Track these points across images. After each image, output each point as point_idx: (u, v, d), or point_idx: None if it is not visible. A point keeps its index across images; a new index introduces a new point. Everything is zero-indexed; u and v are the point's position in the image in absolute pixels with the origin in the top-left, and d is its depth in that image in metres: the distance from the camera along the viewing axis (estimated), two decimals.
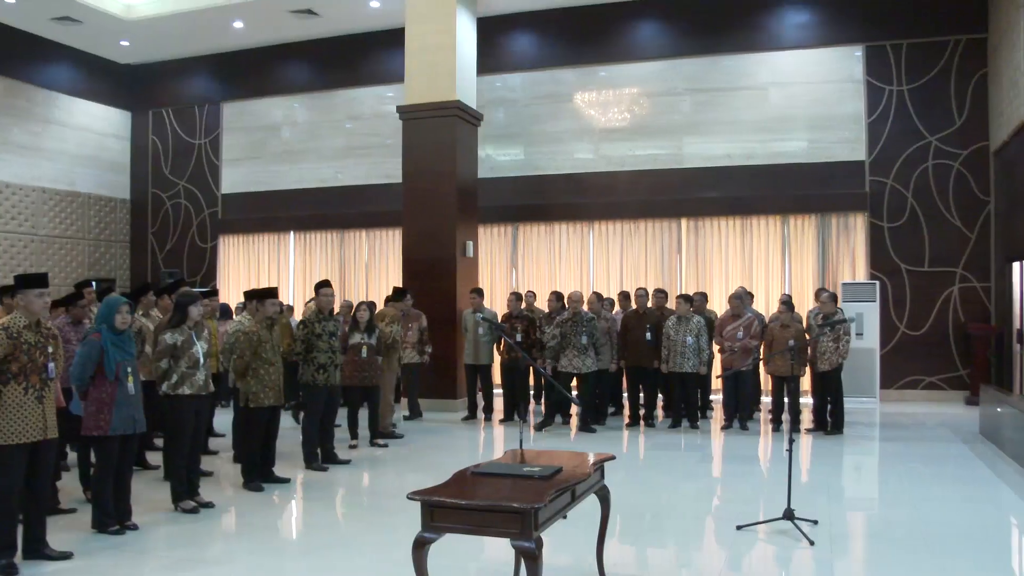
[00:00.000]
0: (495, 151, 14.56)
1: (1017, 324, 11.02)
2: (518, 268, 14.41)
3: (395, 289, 10.26)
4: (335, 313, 8.70)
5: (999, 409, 8.71)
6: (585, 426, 9.88)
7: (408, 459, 8.47)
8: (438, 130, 11.86)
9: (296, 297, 15.39)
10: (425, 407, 11.37)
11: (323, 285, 8.02)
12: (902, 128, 12.69)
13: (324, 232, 15.48)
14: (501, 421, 10.80)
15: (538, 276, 14.26)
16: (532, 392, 11.61)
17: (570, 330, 9.89)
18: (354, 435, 9.09)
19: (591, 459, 4.31)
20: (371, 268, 15.19)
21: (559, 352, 9.91)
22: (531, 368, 10.47)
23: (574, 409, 10.87)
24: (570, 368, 9.84)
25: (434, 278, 11.74)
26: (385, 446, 9.04)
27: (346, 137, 15.41)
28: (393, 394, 9.84)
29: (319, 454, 7.98)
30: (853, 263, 13.00)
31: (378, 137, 15.13)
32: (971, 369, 12.22)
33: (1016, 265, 11.10)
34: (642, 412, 10.37)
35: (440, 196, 11.84)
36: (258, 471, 7.08)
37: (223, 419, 9.85)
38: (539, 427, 10.02)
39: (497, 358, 10.95)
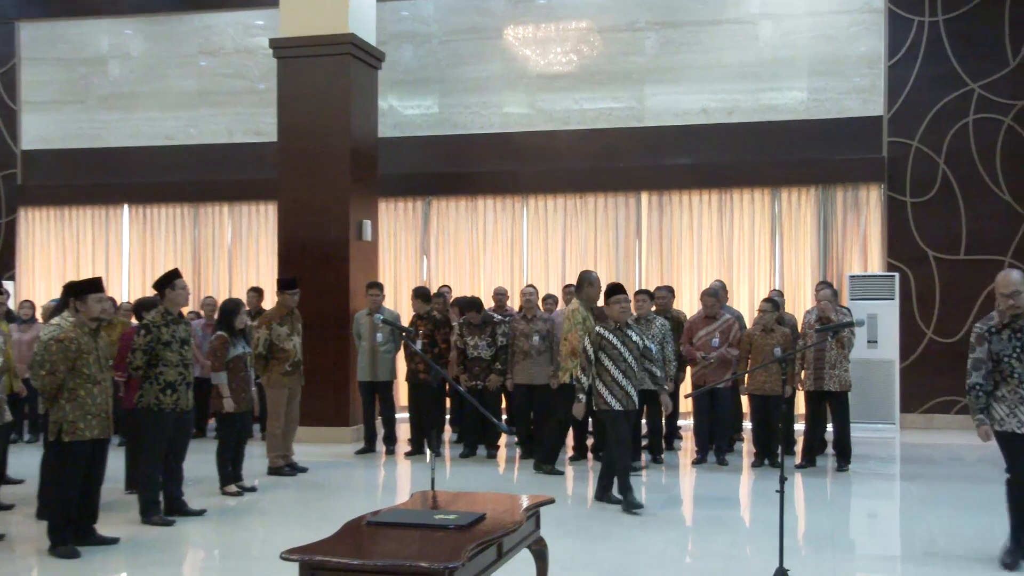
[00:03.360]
0: (401, 102, 14.53)
1: None
2: (431, 255, 14.42)
3: (283, 280, 10.16)
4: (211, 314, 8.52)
5: None
6: (545, 467, 9.78)
7: (284, 507, 8.38)
8: (325, 73, 11.78)
9: (132, 291, 15.06)
10: (307, 437, 11.25)
11: (172, 277, 7.87)
12: (934, 72, 12.99)
13: (171, 206, 15.23)
14: (407, 455, 10.82)
15: (457, 265, 14.30)
16: (449, 417, 11.73)
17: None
18: (237, 476, 8.98)
19: (524, 503, 4.33)
20: (236, 255, 15.02)
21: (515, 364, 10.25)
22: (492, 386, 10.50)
23: (503, 439, 10.91)
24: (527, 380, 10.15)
25: (319, 269, 11.66)
26: (252, 489, 8.95)
27: (200, 78, 15.15)
28: (283, 420, 9.77)
29: (161, 503, 7.83)
30: (865, 250, 13.33)
31: (245, 80, 14.93)
32: None
33: None
34: (589, 442, 10.41)
35: (328, 160, 11.78)
36: (73, 529, 6.89)
37: (24, 459, 9.57)
38: (544, 466, 9.75)
39: (402, 373, 10.96)
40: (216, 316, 9.81)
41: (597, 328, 8.18)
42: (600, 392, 8.04)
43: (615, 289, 8.15)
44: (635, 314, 9.97)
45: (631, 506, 7.89)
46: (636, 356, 8.09)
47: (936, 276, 12.97)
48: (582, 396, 8.10)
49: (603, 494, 8.32)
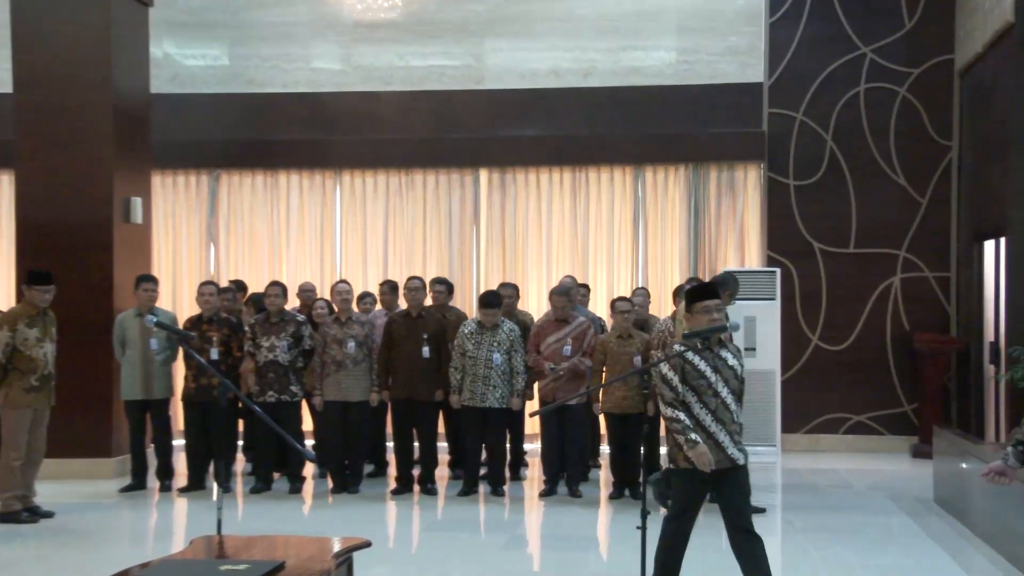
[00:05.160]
0: (180, 50, 14.24)
1: (991, 335, 11.83)
2: (219, 242, 14.17)
3: (34, 273, 9.67)
4: None
5: (963, 465, 8.95)
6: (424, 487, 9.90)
7: (21, 566, 8.04)
8: (78, 8, 11.40)
9: None
10: (55, 472, 10.72)
11: None
12: (822, 33, 13.36)
13: None
14: (183, 490, 10.56)
15: (253, 255, 14.10)
16: (242, 443, 11.56)
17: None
18: None
19: (335, 547, 4.28)
20: None
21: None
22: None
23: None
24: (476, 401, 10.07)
25: (72, 258, 11.23)
26: None
27: None
28: (23, 449, 9.37)
29: None
30: (742, 241, 13.66)
31: None
32: (920, 403, 12.96)
33: (989, 245, 11.89)
34: (416, 472, 10.43)
35: (83, 121, 11.42)
36: None
37: None
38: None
39: (180, 389, 10.73)
40: None
41: (677, 345, 6.43)
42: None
43: (703, 292, 6.45)
44: (478, 316, 10.10)
45: None
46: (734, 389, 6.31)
47: (823, 273, 13.34)
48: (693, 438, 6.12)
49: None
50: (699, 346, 6.14)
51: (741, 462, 6.12)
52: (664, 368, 6.24)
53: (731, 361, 6.24)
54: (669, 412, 6.13)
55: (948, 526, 8.98)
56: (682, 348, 6.20)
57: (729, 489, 6.13)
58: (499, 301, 10.21)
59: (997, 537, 8.02)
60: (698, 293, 6.34)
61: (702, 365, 6.13)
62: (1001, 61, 11.36)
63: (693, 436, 5.96)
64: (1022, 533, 7.46)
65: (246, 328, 10.54)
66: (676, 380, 6.14)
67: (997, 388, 11.55)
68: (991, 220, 11.68)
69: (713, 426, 6.08)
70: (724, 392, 6.14)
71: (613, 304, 10.26)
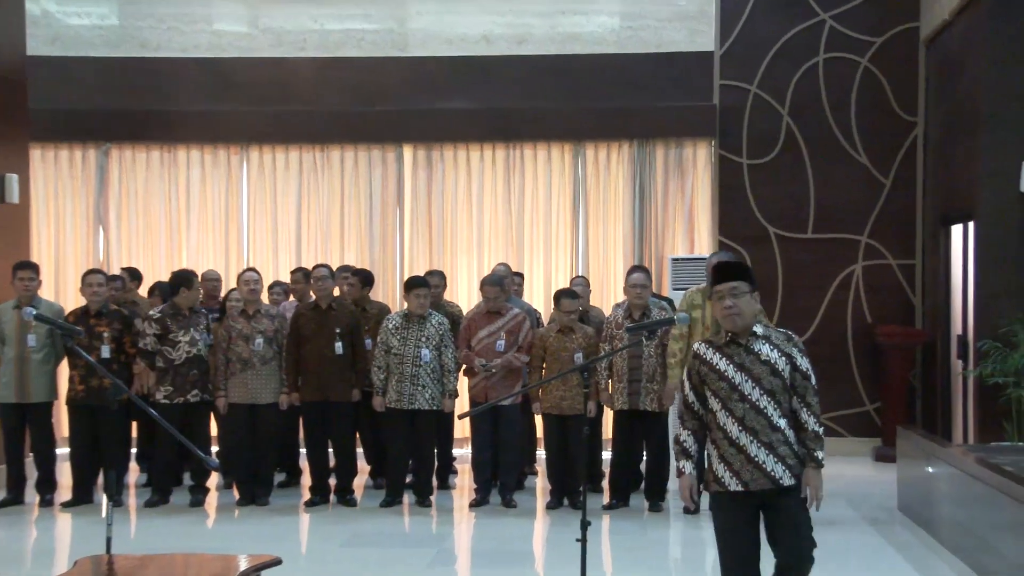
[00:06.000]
0: (62, 7, 14.08)
1: (958, 327, 11.92)
2: (109, 226, 14.01)
3: None
4: None
5: (929, 469, 9.01)
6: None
7: None
8: None
9: None
10: None
11: None
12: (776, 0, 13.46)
13: None
14: (66, 505, 10.39)
15: (148, 239, 13.96)
16: (135, 451, 11.49)
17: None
18: None
19: (242, 565, 4.25)
20: None
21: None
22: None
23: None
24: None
25: None
26: None
27: None
28: None
29: None
30: (690, 225, 13.70)
31: None
32: (883, 402, 13.10)
33: (957, 230, 11.97)
34: (333, 481, 10.42)
35: None
36: None
37: None
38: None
39: (64, 391, 10.55)
40: None
41: (698, 344, 5.82)
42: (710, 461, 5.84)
43: (718, 272, 5.80)
44: (406, 309, 10.08)
45: None
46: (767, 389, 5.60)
47: (779, 260, 13.41)
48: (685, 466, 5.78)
49: None
50: (721, 341, 5.58)
51: (787, 482, 5.41)
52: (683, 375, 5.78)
53: (766, 355, 5.51)
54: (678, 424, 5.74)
55: (913, 536, 9.03)
56: (704, 346, 5.64)
57: (771, 517, 5.51)
58: (427, 283, 10.21)
59: (965, 548, 8.02)
60: (715, 273, 5.69)
61: (722, 364, 5.52)
62: (970, 29, 11.45)
63: (681, 463, 5.56)
64: (992, 544, 7.48)
65: (144, 322, 10.34)
66: (688, 388, 5.64)
67: (965, 385, 11.62)
68: (959, 203, 11.75)
69: (742, 438, 5.43)
70: (756, 394, 5.44)
71: (558, 300, 10.16)
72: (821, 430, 5.54)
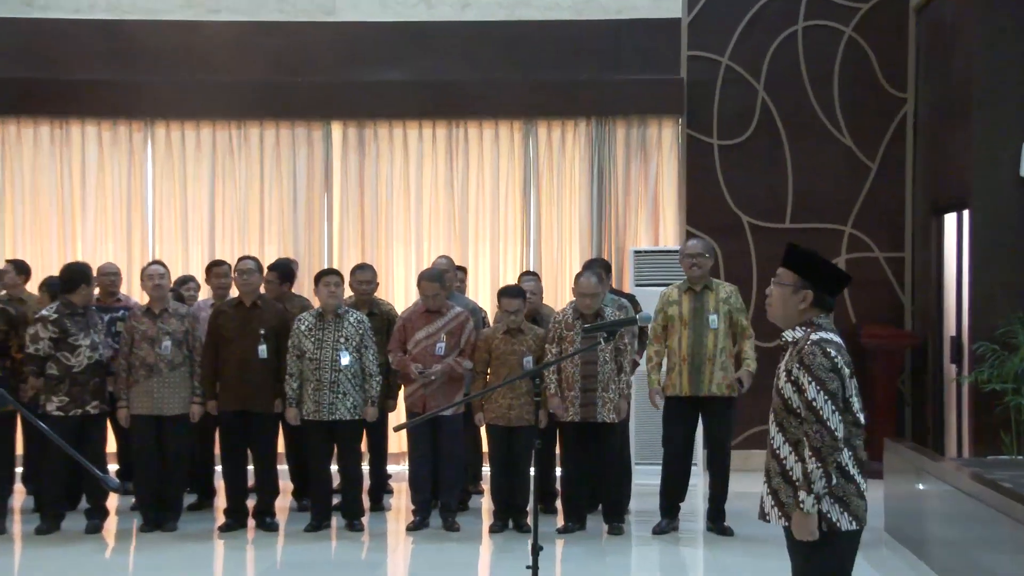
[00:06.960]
0: None
1: (952, 328, 11.97)
2: (3, 212, 13.82)
3: None
4: None
5: (919, 486, 9.06)
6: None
7: None
8: None
9: None
10: None
11: None
12: None
13: None
14: None
15: (38, 226, 13.79)
16: (21, 471, 11.31)
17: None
18: None
19: None
20: None
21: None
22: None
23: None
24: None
25: None
26: None
27: None
28: None
29: None
30: (655, 214, 13.69)
31: None
32: (869, 412, 12.88)
33: (950, 220, 12.02)
34: (252, 503, 10.32)
35: None
36: None
37: None
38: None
39: None
40: None
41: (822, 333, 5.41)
42: None
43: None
44: (321, 307, 10.06)
45: None
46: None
47: (753, 252, 13.44)
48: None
49: None
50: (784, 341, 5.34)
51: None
52: (833, 358, 5.20)
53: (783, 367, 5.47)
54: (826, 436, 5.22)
55: (901, 560, 9.05)
56: (826, 335, 5.27)
57: None
58: (337, 272, 10.21)
59: (958, 573, 8.05)
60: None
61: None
62: None
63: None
64: (987, 568, 7.49)
65: (37, 323, 10.03)
66: (836, 383, 5.20)
67: (959, 393, 11.67)
68: (952, 190, 11.81)
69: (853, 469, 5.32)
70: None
71: (500, 298, 10.12)
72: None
